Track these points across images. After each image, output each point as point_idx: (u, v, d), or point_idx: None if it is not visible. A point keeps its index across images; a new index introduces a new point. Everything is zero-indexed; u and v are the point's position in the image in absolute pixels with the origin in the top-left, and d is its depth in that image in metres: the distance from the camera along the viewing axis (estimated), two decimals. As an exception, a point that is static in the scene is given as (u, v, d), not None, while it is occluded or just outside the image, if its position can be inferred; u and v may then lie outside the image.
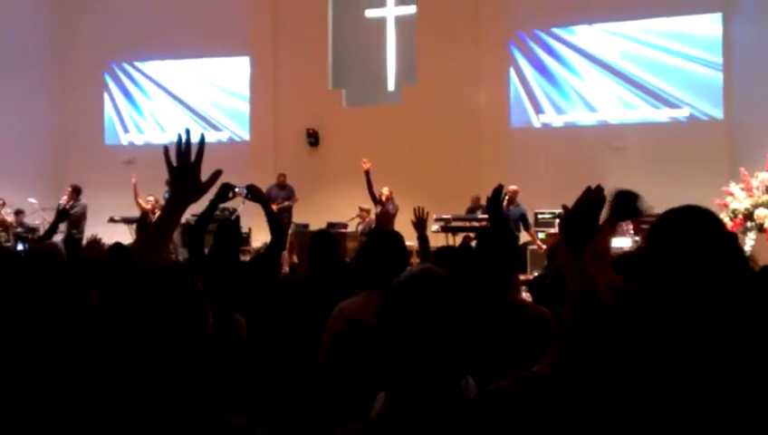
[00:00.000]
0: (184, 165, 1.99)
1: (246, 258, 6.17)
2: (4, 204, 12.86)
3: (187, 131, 2.02)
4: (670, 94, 13.69)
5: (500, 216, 3.75)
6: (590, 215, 1.85)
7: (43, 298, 3.21)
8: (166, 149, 2.05)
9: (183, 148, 1.98)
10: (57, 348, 2.40)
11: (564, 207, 1.92)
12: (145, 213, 12.44)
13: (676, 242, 1.77)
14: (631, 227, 10.68)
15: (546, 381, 1.50)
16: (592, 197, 1.88)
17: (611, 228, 2.19)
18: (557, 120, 14.38)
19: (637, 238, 9.95)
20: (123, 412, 1.43)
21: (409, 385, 1.35)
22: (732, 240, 1.79)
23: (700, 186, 11.53)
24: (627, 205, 2.56)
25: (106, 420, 1.43)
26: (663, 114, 13.77)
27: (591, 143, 13.52)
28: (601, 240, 1.95)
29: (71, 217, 12.42)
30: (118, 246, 4.05)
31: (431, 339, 1.34)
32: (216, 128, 16.55)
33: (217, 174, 2.08)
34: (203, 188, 2.03)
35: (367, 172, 11.03)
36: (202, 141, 2.01)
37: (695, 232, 1.78)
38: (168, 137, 16.53)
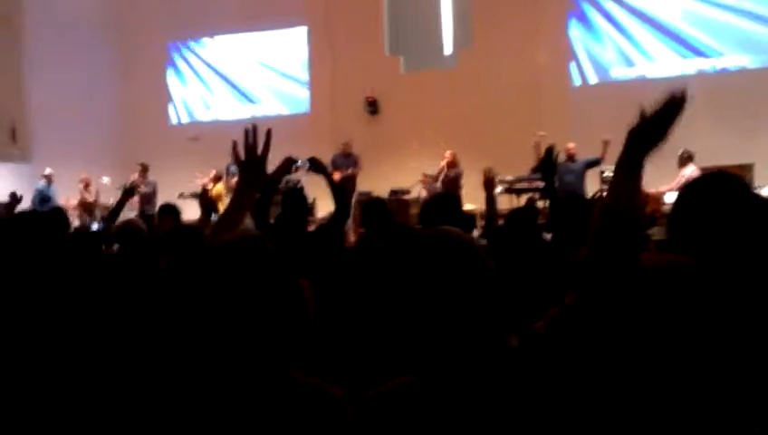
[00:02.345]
0: (251, 159, 2.09)
1: (312, 228, 6.29)
2: (88, 185, 13.24)
3: (254, 126, 2.11)
4: (735, 42, 13.17)
5: (551, 175, 3.81)
6: (666, 121, 1.73)
7: (128, 270, 3.41)
8: (234, 143, 2.18)
9: (250, 142, 2.08)
10: (136, 315, 2.52)
11: (642, 113, 1.78)
12: (204, 188, 12.79)
13: (700, 213, 1.74)
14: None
15: (576, 312, 1.50)
16: (675, 100, 1.76)
17: None
18: (618, 76, 14.02)
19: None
20: (202, 373, 1.50)
21: (445, 338, 1.38)
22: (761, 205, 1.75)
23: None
24: None
25: (185, 381, 1.51)
26: (729, 63, 13.25)
27: (654, 97, 13.10)
28: None
29: (143, 195, 12.88)
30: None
31: (440, 292, 1.37)
32: (275, 101, 16.74)
33: (288, 162, 2.23)
34: (269, 180, 2.21)
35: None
36: (268, 136, 2.12)
37: (720, 201, 1.74)
38: (230, 113, 16.86)
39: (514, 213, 4.00)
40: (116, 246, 3.82)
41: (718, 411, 1.57)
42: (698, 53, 13.53)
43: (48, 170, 13.06)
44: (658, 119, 1.73)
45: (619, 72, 14.07)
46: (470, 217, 3.83)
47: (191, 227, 3.69)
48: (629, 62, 14.01)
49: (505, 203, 10.30)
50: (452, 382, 1.36)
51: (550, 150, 3.85)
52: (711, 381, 1.60)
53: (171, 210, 6.03)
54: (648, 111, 1.75)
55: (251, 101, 16.98)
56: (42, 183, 13.03)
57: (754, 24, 13.05)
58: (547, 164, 3.82)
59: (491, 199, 4.86)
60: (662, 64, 13.72)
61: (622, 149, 1.75)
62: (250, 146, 2.09)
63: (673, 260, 1.76)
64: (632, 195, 1.68)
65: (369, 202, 4.51)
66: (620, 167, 1.73)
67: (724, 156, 10.81)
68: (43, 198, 12.72)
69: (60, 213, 4.20)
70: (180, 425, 1.48)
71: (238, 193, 2.13)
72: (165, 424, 1.49)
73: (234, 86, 17.14)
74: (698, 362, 1.61)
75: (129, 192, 6.26)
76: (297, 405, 1.47)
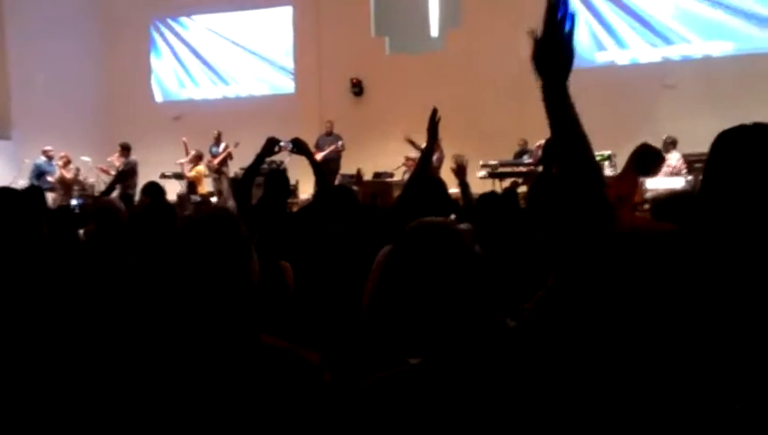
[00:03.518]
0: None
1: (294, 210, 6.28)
2: (67, 163, 13.12)
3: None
4: (722, 26, 13.20)
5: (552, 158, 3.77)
6: (557, 30, 1.56)
7: (104, 252, 3.37)
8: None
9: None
10: (114, 293, 2.51)
11: (530, 32, 1.62)
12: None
13: (741, 164, 1.49)
14: (684, 165, 10.40)
15: (557, 290, 1.51)
16: (551, 4, 1.58)
17: (635, 178, 2.06)
18: (605, 60, 14.03)
19: (689, 178, 9.71)
20: (173, 347, 1.53)
21: (447, 324, 1.40)
22: None
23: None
24: (650, 161, 2.41)
25: (155, 358, 1.53)
26: (716, 48, 13.28)
27: (641, 82, 13.15)
28: (625, 187, 1.84)
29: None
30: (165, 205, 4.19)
31: (436, 284, 1.39)
32: (260, 81, 16.62)
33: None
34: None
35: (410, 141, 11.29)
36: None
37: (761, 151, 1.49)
38: (214, 92, 16.75)
39: (483, 198, 3.99)
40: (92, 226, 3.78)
41: (703, 385, 1.55)
42: (667, 40, 13.61)
43: (48, 147, 13.09)
44: (548, 30, 1.57)
45: (607, 54, 14.06)
46: (452, 202, 3.80)
47: (166, 204, 3.65)
48: (601, 47, 14.03)
49: (488, 187, 10.31)
50: (461, 366, 1.38)
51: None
52: (697, 354, 1.55)
53: (154, 190, 5.94)
54: (536, 31, 1.60)
55: (235, 81, 16.85)
56: (42, 159, 13.06)
57: (729, 14, 13.13)
58: (551, 148, 3.80)
59: (464, 185, 4.95)
60: (652, 47, 13.75)
61: (539, 82, 1.62)
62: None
63: (658, 227, 1.71)
64: (574, 128, 1.56)
65: (334, 187, 4.50)
66: (546, 103, 1.60)
67: (708, 142, 10.86)
68: (39, 173, 12.77)
69: (36, 191, 4.14)
70: (157, 397, 1.51)
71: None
72: (142, 396, 1.52)
73: (217, 66, 16.99)
74: (686, 329, 1.56)
75: (122, 175, 6.27)
76: (271, 371, 1.50)
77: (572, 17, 1.55)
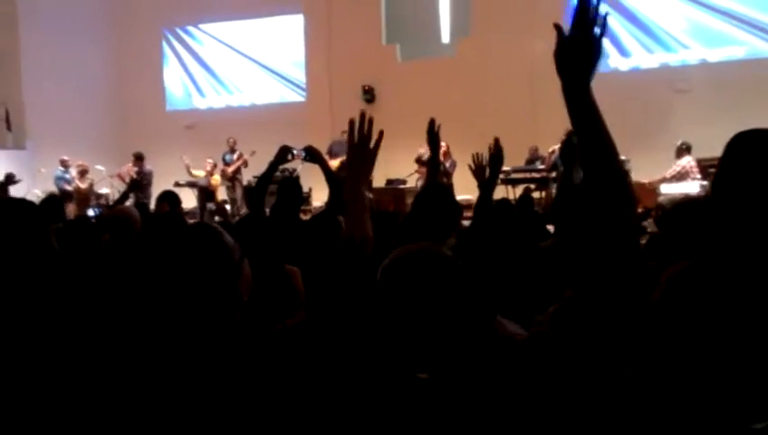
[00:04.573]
0: (362, 145, 2.16)
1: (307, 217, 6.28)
2: (84, 172, 13.17)
3: (370, 117, 2.15)
4: (734, 30, 13.14)
5: (572, 162, 3.76)
6: (587, 27, 1.45)
7: (118, 260, 3.38)
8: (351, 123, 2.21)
9: (364, 131, 2.15)
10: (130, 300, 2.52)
11: (556, 26, 1.51)
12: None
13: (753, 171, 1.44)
14: (694, 168, 10.29)
15: (573, 304, 1.50)
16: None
17: None
18: (615, 66, 13.98)
19: (704, 183, 9.62)
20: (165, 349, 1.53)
21: (437, 340, 1.42)
22: None
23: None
24: None
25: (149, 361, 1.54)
26: (729, 52, 13.21)
27: (653, 87, 13.10)
28: None
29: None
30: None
31: (423, 306, 1.43)
32: (272, 89, 16.68)
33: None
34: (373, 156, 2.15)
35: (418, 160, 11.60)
36: (380, 136, 2.20)
37: None
38: (226, 100, 16.82)
39: (499, 203, 3.99)
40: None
41: (722, 407, 1.52)
42: (666, 46, 13.61)
43: (64, 156, 13.31)
44: (578, 28, 1.47)
45: (617, 60, 14.03)
46: (459, 208, 3.81)
47: (176, 213, 3.67)
48: (629, 51, 13.98)
49: (501, 193, 10.29)
50: (471, 380, 1.39)
51: (570, 136, 3.81)
52: (720, 374, 1.52)
53: (168, 197, 5.97)
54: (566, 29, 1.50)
55: (246, 89, 16.92)
56: (60, 169, 13.27)
57: (740, 25, 13.10)
58: (568, 150, 3.79)
59: (485, 187, 4.88)
60: (664, 52, 13.71)
61: (561, 81, 1.53)
62: (363, 134, 2.13)
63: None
64: (598, 130, 1.49)
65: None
66: (567, 104, 1.52)
67: (722, 149, 10.80)
68: (63, 182, 13.06)
69: (53, 201, 4.18)
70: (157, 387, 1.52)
71: (350, 186, 2.11)
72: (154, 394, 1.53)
73: (229, 75, 17.07)
74: (712, 348, 1.51)
75: (135, 184, 6.32)
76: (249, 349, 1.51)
77: (604, 20, 1.47)
